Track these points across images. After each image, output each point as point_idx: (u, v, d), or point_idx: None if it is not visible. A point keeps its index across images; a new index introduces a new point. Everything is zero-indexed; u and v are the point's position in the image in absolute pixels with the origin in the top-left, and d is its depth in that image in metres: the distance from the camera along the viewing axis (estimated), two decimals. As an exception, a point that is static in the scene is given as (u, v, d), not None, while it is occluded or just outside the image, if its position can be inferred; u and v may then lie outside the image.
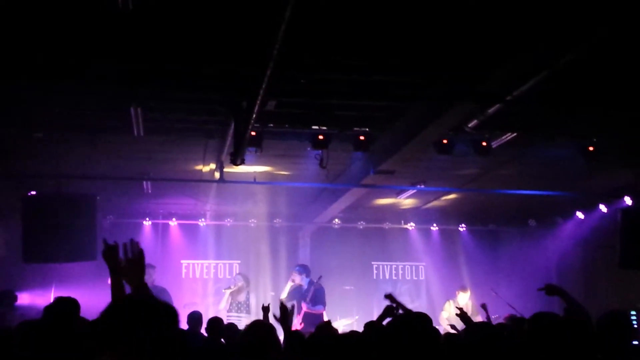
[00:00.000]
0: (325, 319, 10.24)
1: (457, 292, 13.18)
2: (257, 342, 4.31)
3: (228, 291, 11.96)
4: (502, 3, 5.48)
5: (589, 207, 12.75)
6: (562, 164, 10.06)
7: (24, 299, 12.25)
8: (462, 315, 8.04)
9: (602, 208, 12.40)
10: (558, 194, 11.84)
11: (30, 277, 12.39)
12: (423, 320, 4.04)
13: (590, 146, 9.00)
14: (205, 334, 8.08)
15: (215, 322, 7.95)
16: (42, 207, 10.39)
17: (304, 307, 11.21)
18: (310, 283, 11.55)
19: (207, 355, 6.65)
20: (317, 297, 11.41)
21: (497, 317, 11.69)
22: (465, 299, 13.03)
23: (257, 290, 13.76)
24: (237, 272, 13.86)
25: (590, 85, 7.14)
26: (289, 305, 5.86)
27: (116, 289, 4.73)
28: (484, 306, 8.85)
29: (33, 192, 10.52)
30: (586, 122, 8.44)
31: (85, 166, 10.21)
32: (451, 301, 12.79)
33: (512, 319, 8.94)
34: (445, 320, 12.26)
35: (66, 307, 4.97)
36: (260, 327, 4.65)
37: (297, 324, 10.83)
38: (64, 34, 5.96)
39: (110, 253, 4.75)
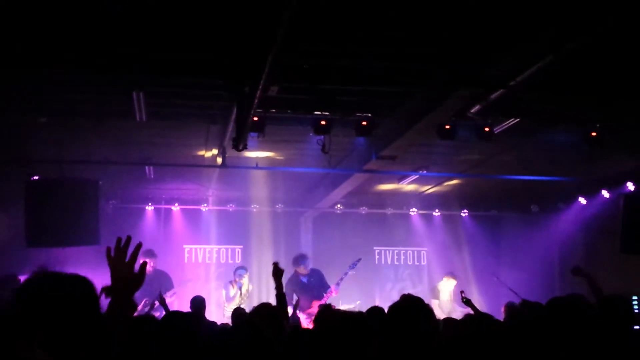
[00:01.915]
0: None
1: (444, 277, 13.27)
2: (264, 324, 4.36)
3: (241, 291, 11.86)
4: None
5: (592, 192, 12.75)
6: (565, 149, 10.06)
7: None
8: (467, 303, 8.12)
9: (605, 193, 12.39)
10: (560, 179, 11.85)
11: (33, 262, 12.42)
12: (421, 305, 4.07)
13: (593, 132, 8.97)
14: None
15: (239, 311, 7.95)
16: (45, 191, 10.42)
17: (335, 292, 11.26)
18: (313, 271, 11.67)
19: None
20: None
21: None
22: (450, 287, 13.07)
23: (259, 276, 13.80)
24: (238, 265, 13.72)
25: (594, 71, 7.12)
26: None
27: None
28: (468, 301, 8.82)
29: (36, 177, 10.54)
30: (589, 107, 8.43)
31: (88, 151, 10.22)
32: (438, 285, 12.94)
33: (510, 305, 8.99)
34: (437, 306, 12.32)
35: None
36: (266, 309, 4.73)
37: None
38: (66, 19, 5.95)
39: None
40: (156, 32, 6.27)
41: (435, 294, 13.25)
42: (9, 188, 10.98)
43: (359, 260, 11.80)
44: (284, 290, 11.48)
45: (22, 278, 11.56)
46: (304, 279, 11.49)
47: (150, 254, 11.66)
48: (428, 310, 4.06)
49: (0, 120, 8.79)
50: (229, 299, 11.66)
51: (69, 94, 8.05)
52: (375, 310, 6.55)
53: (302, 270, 11.57)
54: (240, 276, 11.95)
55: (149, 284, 10.72)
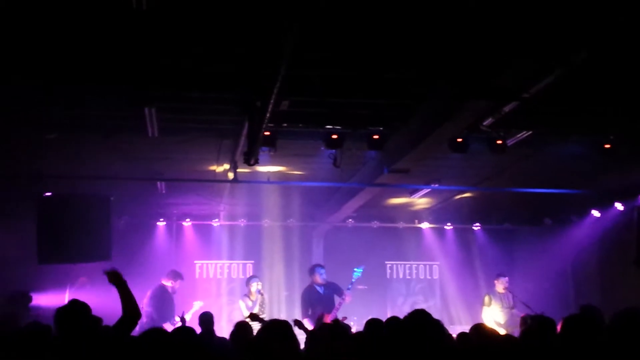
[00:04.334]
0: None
1: (495, 282, 12.62)
2: (276, 340, 4.33)
3: (259, 297, 11.77)
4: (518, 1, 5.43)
5: (605, 205, 12.63)
6: (578, 161, 9.98)
7: (39, 300, 12.31)
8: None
9: (618, 206, 12.27)
10: (573, 192, 11.75)
11: (45, 278, 12.43)
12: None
13: (607, 143, 8.92)
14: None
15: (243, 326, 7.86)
16: (57, 208, 10.45)
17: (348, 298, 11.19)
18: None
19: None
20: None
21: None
22: (502, 289, 12.37)
23: (270, 291, 13.74)
24: (251, 274, 13.73)
25: (607, 82, 7.08)
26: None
27: (125, 301, 4.99)
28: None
29: (48, 193, 10.57)
30: (602, 119, 8.37)
31: (99, 167, 10.23)
32: (490, 295, 12.40)
33: (526, 318, 8.87)
34: (490, 317, 11.98)
35: (78, 310, 5.03)
36: (278, 325, 4.69)
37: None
38: (78, 35, 5.97)
39: (113, 277, 5.11)
40: (168, 47, 6.28)
41: (487, 301, 12.44)
42: (21, 204, 11.01)
43: (361, 267, 11.67)
44: (301, 301, 11.42)
45: (34, 295, 11.63)
46: (320, 290, 11.42)
47: (178, 275, 11.87)
48: (436, 324, 4.03)
49: (11, 136, 8.83)
50: (250, 309, 11.53)
51: (80, 110, 8.07)
52: (374, 323, 6.54)
53: (317, 279, 11.51)
54: (257, 286, 11.85)
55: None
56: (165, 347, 4.00)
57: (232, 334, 7.55)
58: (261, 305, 11.62)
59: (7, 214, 11.98)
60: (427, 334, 3.93)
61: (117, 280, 5.21)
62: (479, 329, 6.49)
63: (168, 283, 11.72)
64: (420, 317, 4.07)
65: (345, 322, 8.87)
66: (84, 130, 8.66)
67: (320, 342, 5.63)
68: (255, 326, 7.82)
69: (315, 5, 4.83)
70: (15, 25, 5.74)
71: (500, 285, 12.27)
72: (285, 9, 4.94)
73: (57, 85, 7.04)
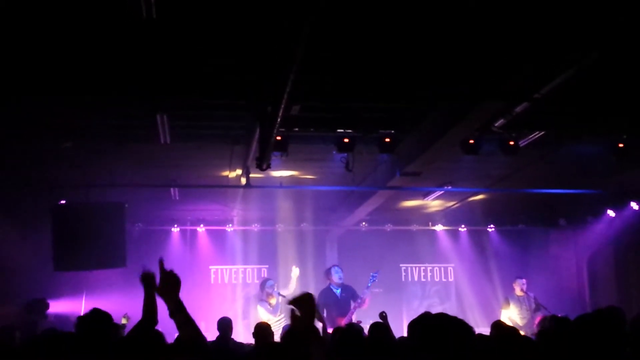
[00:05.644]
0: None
1: (513, 284, 12.40)
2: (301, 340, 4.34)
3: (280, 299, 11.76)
4: (527, 2, 5.42)
5: (620, 204, 12.56)
6: (592, 161, 9.93)
7: (56, 306, 12.41)
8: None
9: (634, 205, 12.19)
10: (588, 192, 11.68)
11: (62, 285, 12.52)
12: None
13: (620, 142, 8.86)
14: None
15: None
16: (72, 215, 10.51)
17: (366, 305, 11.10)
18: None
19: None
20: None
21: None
22: (520, 291, 12.15)
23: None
24: (264, 277, 13.74)
25: (619, 81, 7.04)
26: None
27: (148, 304, 4.94)
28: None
29: (62, 201, 10.64)
30: (615, 118, 8.32)
31: (114, 174, 10.29)
32: (509, 298, 12.30)
33: (544, 320, 8.81)
34: (508, 319, 11.86)
35: (99, 319, 5.02)
36: None
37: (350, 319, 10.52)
38: (90, 45, 6.02)
39: (148, 279, 5.03)
40: (178, 55, 6.32)
41: (505, 304, 12.31)
42: (36, 212, 11.08)
43: (376, 272, 11.56)
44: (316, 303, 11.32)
45: (51, 302, 11.70)
46: (337, 292, 11.35)
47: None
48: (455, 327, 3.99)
49: (26, 145, 8.90)
50: (273, 311, 11.46)
51: (93, 119, 8.12)
52: (379, 326, 6.53)
53: (334, 279, 11.40)
54: (272, 287, 11.81)
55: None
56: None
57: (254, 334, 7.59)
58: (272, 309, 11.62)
59: (23, 222, 12.08)
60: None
61: (149, 281, 5.12)
62: (497, 327, 6.47)
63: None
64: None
65: (361, 326, 8.84)
66: (98, 138, 8.73)
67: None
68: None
69: (323, 5, 4.82)
70: (30, 38, 5.80)
71: (517, 288, 12.17)
72: (294, 10, 4.96)
73: (70, 96, 7.11)
